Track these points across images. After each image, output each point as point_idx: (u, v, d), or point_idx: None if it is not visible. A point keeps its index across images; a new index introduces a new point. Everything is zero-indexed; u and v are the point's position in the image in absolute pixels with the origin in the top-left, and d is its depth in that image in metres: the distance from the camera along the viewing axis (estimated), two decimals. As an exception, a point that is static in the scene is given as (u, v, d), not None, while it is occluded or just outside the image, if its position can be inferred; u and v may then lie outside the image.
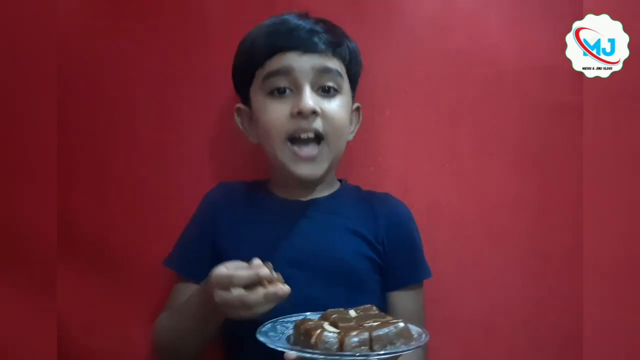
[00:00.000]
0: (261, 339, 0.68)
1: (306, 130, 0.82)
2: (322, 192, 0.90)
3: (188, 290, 0.84)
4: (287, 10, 0.88)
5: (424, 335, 0.70)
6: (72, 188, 0.93)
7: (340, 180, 0.95)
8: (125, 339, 0.91)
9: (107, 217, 0.94)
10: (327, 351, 0.63)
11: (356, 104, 0.92)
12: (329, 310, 0.73)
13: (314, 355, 0.63)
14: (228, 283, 0.68)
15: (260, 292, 0.68)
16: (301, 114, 0.81)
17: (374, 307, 0.75)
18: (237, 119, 0.90)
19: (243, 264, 0.71)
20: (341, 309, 0.73)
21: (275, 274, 0.70)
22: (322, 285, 0.81)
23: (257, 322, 0.71)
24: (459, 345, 0.97)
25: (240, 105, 0.90)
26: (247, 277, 0.68)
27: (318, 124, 0.82)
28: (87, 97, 0.96)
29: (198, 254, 0.86)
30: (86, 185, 0.95)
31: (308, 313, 0.75)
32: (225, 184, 0.94)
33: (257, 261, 0.70)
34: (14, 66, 0.82)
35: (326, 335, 0.64)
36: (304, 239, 0.85)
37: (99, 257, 0.93)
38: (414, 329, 0.71)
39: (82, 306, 0.91)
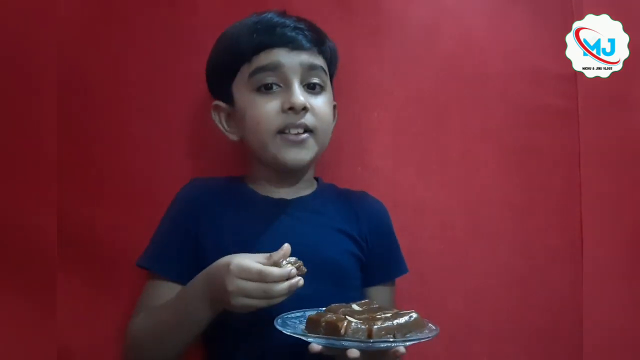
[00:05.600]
0: (286, 331, 0.68)
1: (296, 126, 0.83)
2: (303, 191, 0.90)
3: (164, 289, 0.82)
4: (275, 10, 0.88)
5: (430, 324, 0.72)
6: (70, 188, 0.91)
7: (316, 179, 0.94)
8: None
9: (105, 219, 0.94)
10: (357, 339, 0.65)
11: (333, 102, 0.93)
12: (333, 305, 0.74)
13: (352, 343, 0.64)
14: (257, 277, 0.69)
15: (285, 284, 0.69)
16: (292, 109, 0.82)
17: (374, 301, 0.77)
18: (215, 117, 0.90)
19: (262, 255, 0.72)
20: (343, 304, 0.75)
21: (298, 261, 0.72)
22: (311, 284, 0.79)
23: (247, 327, 0.73)
24: (442, 343, 0.96)
25: (218, 102, 0.89)
26: (279, 275, 0.69)
27: (307, 118, 0.83)
28: (83, 97, 0.95)
29: (177, 251, 0.84)
30: (84, 186, 0.94)
31: (319, 309, 0.76)
32: (198, 180, 0.92)
33: (286, 246, 0.72)
34: (13, 67, 0.84)
35: (354, 325, 0.66)
36: (291, 238, 0.82)
37: (98, 258, 0.93)
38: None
39: (82, 308, 0.90)
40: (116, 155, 0.96)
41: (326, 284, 0.82)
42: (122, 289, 0.92)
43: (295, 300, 0.74)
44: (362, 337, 0.65)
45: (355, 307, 0.74)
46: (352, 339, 0.65)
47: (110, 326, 0.90)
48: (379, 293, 0.89)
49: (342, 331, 0.65)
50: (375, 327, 0.66)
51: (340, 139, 0.94)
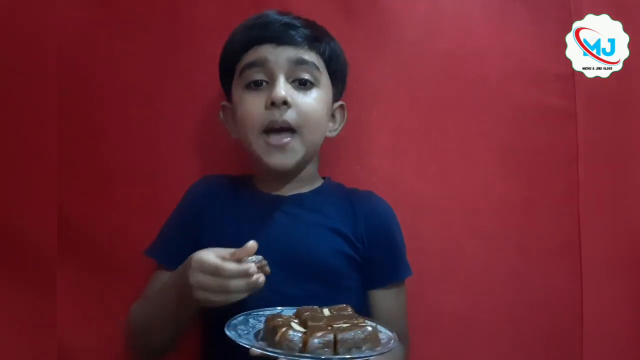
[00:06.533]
0: (229, 333, 0.67)
1: (279, 124, 0.82)
2: (303, 188, 0.90)
3: (165, 277, 0.83)
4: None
5: (392, 341, 0.68)
6: (70, 186, 0.93)
7: (324, 178, 0.95)
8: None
9: (105, 219, 0.94)
10: (289, 351, 0.63)
11: (340, 102, 0.93)
12: (302, 307, 0.72)
13: (277, 354, 0.62)
14: (213, 271, 0.69)
15: (242, 281, 0.68)
16: (273, 104, 0.81)
17: (349, 308, 0.74)
18: (222, 116, 0.91)
19: (227, 250, 0.72)
20: (315, 307, 0.73)
21: (262, 261, 0.71)
22: (299, 283, 0.81)
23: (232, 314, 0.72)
24: (441, 342, 0.97)
25: (225, 102, 0.91)
26: (236, 272, 0.68)
27: (290, 115, 0.82)
28: (83, 96, 0.96)
29: (179, 244, 0.86)
30: (84, 184, 0.95)
31: (282, 308, 0.75)
32: (209, 177, 0.94)
33: (251, 243, 0.71)
34: (14, 67, 0.84)
35: (290, 335, 0.64)
36: (282, 235, 0.85)
37: (98, 258, 0.94)
38: (384, 334, 0.70)
39: (82, 308, 0.91)
40: (116, 155, 0.97)
41: (314, 284, 0.83)
42: (122, 288, 0.92)
43: (284, 299, 0.75)
44: (297, 348, 0.63)
45: (325, 311, 0.72)
46: (274, 351, 0.63)
47: (111, 326, 0.90)
48: (382, 297, 0.88)
49: (277, 339, 0.64)
50: (311, 338, 0.63)
51: (339, 138, 0.94)
